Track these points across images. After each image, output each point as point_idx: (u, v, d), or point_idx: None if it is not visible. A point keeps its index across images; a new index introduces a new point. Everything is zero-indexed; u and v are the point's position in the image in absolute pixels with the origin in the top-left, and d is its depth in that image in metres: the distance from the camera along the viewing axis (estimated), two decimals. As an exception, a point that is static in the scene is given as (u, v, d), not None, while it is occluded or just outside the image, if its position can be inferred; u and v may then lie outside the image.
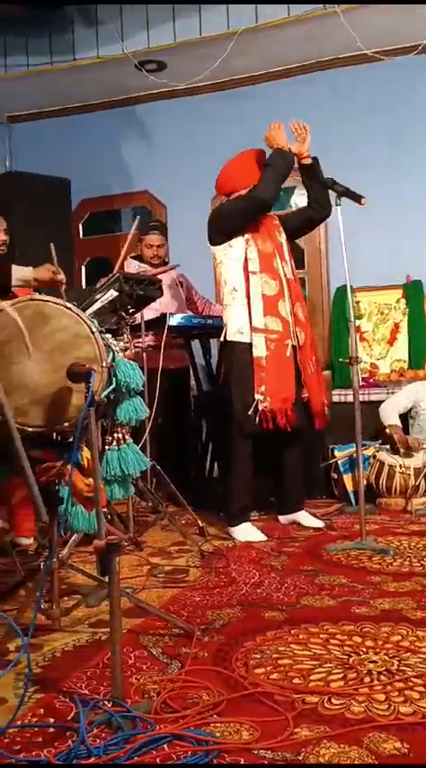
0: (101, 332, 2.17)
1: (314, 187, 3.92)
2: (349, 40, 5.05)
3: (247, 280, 3.69)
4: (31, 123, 6.35)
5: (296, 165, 3.87)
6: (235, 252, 3.75)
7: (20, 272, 2.64)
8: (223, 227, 3.78)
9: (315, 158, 3.86)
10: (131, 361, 2.31)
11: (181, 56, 5.30)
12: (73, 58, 5.47)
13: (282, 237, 3.87)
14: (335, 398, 4.92)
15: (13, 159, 6.38)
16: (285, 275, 3.77)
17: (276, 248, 3.79)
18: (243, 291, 3.70)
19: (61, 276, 2.71)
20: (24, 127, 6.38)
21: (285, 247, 3.87)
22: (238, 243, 3.74)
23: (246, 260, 3.70)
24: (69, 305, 2.09)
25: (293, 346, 3.75)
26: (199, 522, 3.71)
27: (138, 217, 3.32)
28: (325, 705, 1.81)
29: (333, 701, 1.83)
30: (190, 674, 2.02)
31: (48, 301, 2.08)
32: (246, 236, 3.73)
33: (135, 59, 5.36)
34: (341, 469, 4.46)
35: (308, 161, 3.86)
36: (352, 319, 3.48)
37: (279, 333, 3.68)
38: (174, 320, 4.19)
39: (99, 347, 2.06)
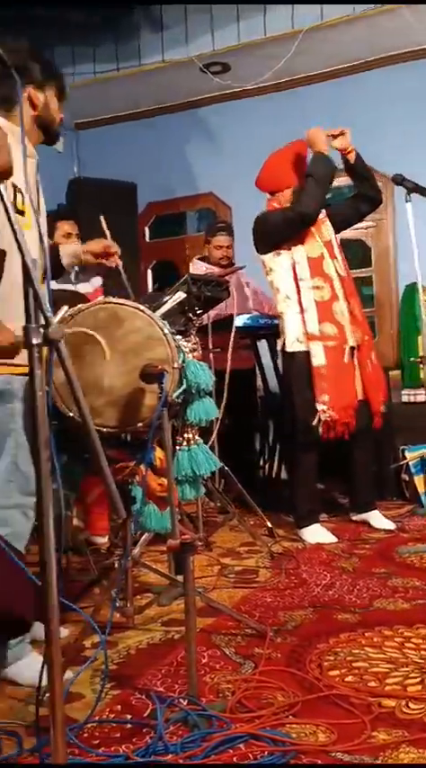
0: (172, 333, 2.19)
1: (360, 180, 3.87)
2: (414, 36, 4.97)
3: (298, 287, 3.65)
4: (98, 129, 6.47)
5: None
6: (283, 260, 3.70)
7: (68, 249, 2.58)
8: (267, 240, 3.74)
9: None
10: (201, 362, 2.32)
11: (245, 57, 5.31)
12: (139, 64, 5.55)
13: (330, 232, 3.79)
14: (404, 398, 4.83)
15: (80, 165, 6.51)
16: (337, 273, 3.71)
17: (325, 247, 3.72)
18: (295, 299, 3.66)
19: (115, 248, 2.62)
20: (91, 133, 6.50)
21: (334, 242, 3.80)
22: (285, 250, 3.70)
23: (295, 267, 3.67)
24: (142, 307, 2.12)
25: (352, 347, 3.70)
26: (268, 522, 3.70)
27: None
28: (403, 709, 1.78)
29: (411, 705, 1.80)
30: (264, 675, 2.02)
31: (122, 304, 2.11)
32: (292, 243, 3.69)
33: (199, 62, 5.39)
34: (413, 471, 4.37)
35: (352, 157, 3.78)
36: (423, 317, 3.42)
37: (336, 337, 3.63)
38: (240, 321, 4.19)
39: (171, 348, 2.08)
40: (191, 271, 4.46)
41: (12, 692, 2.03)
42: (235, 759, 1.58)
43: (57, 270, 2.41)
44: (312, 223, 3.69)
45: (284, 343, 3.72)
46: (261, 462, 5.06)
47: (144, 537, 2.89)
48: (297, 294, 3.65)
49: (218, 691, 1.95)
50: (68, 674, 2.05)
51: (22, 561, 1.95)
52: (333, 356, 3.62)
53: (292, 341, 3.68)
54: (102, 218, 2.66)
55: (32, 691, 1.96)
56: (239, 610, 2.57)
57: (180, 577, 1.93)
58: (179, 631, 2.40)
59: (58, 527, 1.45)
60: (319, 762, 1.56)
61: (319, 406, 3.56)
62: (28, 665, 2.09)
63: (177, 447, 2.42)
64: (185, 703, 1.84)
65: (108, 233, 2.62)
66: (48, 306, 1.36)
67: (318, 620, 2.48)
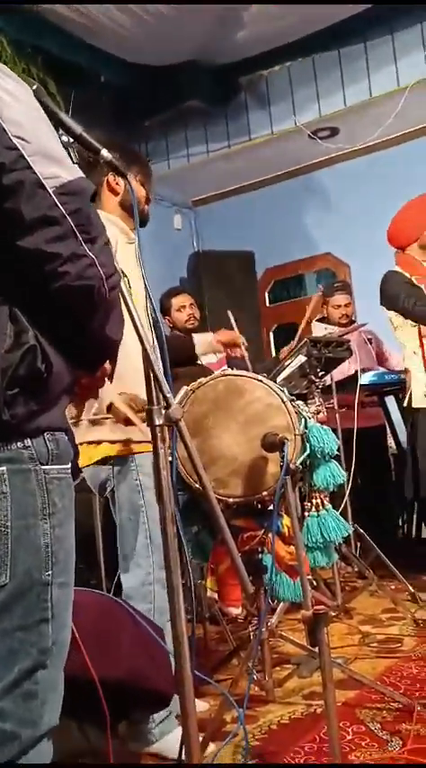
0: (292, 400, 2.20)
1: None
2: None
3: (422, 343, 3.56)
4: (214, 204, 6.73)
5: None
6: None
7: (201, 338, 2.76)
8: (391, 308, 3.68)
9: None
10: (324, 426, 2.31)
11: (352, 119, 5.39)
12: (248, 138, 5.76)
13: None
14: None
15: (199, 240, 6.77)
16: None
17: None
18: (420, 354, 3.57)
19: (242, 340, 2.79)
20: (208, 208, 6.77)
21: None
22: None
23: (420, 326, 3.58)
24: (260, 377, 2.16)
25: None
26: (410, 587, 3.54)
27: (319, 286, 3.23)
28: None
29: None
30: (413, 753, 1.92)
31: (240, 375, 2.15)
32: None
33: (307, 129, 5.52)
34: None
35: None
36: None
37: None
38: (366, 378, 4.13)
39: (291, 416, 2.09)
40: (312, 333, 4.47)
41: (156, 768, 2.04)
42: None
43: (193, 358, 2.56)
44: None
45: (410, 400, 3.63)
46: (400, 522, 4.88)
47: (280, 606, 2.85)
48: (422, 350, 3.56)
49: (365, 770, 1.87)
50: (211, 749, 2.04)
51: (160, 636, 1.98)
52: None
53: (418, 397, 3.58)
54: (229, 313, 2.82)
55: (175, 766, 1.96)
56: (383, 682, 2.46)
57: (316, 649, 1.88)
58: (321, 705, 2.31)
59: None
60: None
61: None
62: (175, 740, 2.09)
63: (306, 513, 2.40)
64: (330, 784, 1.77)
65: (235, 326, 2.76)
66: (168, 388, 1.42)
67: None
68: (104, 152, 1.48)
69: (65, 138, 1.41)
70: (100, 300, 1.15)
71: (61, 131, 1.42)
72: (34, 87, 1.38)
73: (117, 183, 2.31)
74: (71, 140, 1.42)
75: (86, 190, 1.15)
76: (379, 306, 3.81)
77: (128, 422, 2.06)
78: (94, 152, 1.47)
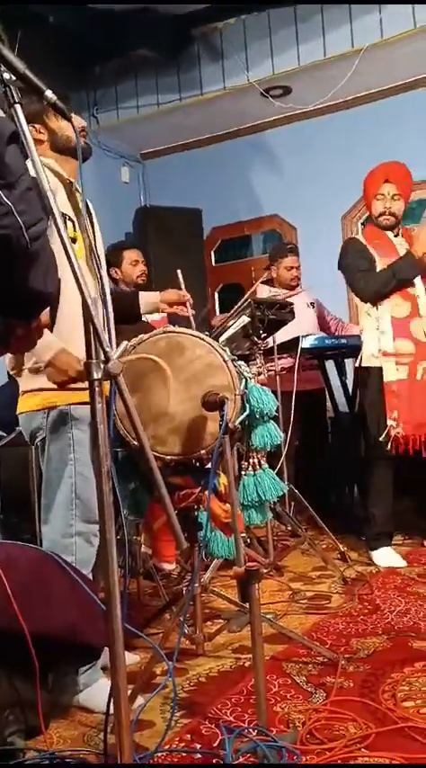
0: (233, 360, 2.20)
1: None
2: None
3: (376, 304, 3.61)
4: (163, 158, 6.60)
5: None
6: None
7: (147, 297, 2.72)
8: (345, 276, 3.75)
9: None
10: (264, 387, 2.32)
11: (305, 79, 5.33)
12: (200, 93, 5.65)
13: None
14: None
15: (147, 194, 6.65)
16: (418, 293, 3.63)
17: None
18: (374, 315, 3.62)
19: (188, 296, 2.76)
20: (157, 162, 6.64)
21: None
22: None
23: None
24: (202, 335, 2.14)
25: None
26: (341, 546, 3.64)
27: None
28: None
29: None
30: (336, 705, 1.98)
31: (182, 333, 2.14)
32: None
33: (260, 87, 5.45)
34: None
35: None
36: None
37: (412, 355, 3.55)
38: (307, 342, 4.16)
39: (232, 375, 2.09)
40: (257, 294, 4.46)
41: (83, 720, 2.05)
42: (304, 793, 1.55)
43: (135, 317, 2.52)
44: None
45: (360, 359, 3.68)
46: (335, 483, 4.99)
47: (214, 563, 2.89)
48: (376, 310, 3.61)
49: (289, 721, 1.92)
50: (140, 701, 2.06)
51: (92, 588, 1.98)
52: (407, 374, 3.54)
53: (368, 356, 3.64)
54: (178, 272, 2.77)
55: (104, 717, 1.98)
56: (310, 637, 2.53)
57: (247, 605, 1.92)
58: (249, 659, 2.37)
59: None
60: (391, 798, 1.51)
61: (389, 422, 3.49)
62: (99, 691, 2.11)
63: (242, 472, 2.42)
64: (254, 734, 1.82)
65: (183, 285, 2.72)
66: (107, 341, 1.39)
67: (392, 648, 2.41)
68: (48, 93, 1.42)
69: (6, 76, 1.36)
70: (19, 251, 1.09)
71: (3, 68, 1.36)
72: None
73: (40, 132, 2.17)
74: (13, 78, 1.36)
75: (1, 132, 1.08)
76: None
77: (61, 385, 2.00)
78: (38, 92, 1.41)
